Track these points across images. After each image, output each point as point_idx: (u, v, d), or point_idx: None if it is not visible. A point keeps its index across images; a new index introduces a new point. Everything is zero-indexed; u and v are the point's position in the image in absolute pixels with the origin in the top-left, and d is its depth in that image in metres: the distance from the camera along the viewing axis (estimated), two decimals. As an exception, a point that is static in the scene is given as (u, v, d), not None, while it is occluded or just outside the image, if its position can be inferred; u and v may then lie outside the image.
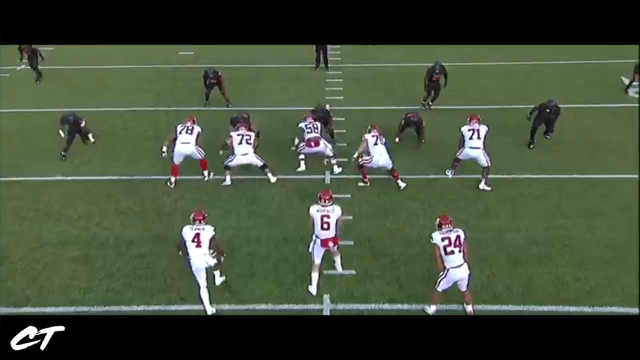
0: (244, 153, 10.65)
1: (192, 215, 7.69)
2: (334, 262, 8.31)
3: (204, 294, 7.63)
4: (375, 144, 10.51)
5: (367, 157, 10.52)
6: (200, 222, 7.61)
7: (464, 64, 17.92)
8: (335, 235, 7.76)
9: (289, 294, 7.98)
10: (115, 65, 18.61)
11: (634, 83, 15.49)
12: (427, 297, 7.79)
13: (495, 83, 16.50)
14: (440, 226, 7.34)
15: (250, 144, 10.75)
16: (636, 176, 10.90)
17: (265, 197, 10.47)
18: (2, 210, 10.21)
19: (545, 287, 8.05)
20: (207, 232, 7.61)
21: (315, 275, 7.94)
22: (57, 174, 11.50)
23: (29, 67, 16.94)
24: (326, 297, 7.87)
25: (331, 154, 11.40)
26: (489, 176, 10.58)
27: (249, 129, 11.11)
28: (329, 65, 17.77)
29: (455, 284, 7.29)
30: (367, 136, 10.65)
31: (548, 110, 11.91)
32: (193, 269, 7.60)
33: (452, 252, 7.16)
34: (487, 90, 15.79)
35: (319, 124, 11.48)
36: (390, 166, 10.60)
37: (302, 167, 11.50)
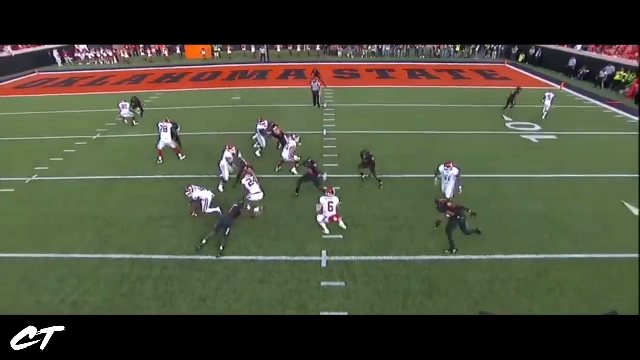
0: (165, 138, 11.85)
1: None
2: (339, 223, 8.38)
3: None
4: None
5: None
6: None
7: (410, 105, 17.81)
8: (337, 213, 8.17)
9: (300, 250, 7.91)
10: (190, 106, 18.46)
11: (508, 119, 15.45)
12: (386, 251, 7.79)
13: (427, 118, 16.26)
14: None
15: (166, 131, 11.84)
16: (509, 175, 10.82)
17: (286, 189, 10.27)
18: (125, 197, 10.21)
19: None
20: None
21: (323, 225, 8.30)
22: (159, 174, 11.41)
23: (132, 113, 15.83)
24: (324, 252, 7.80)
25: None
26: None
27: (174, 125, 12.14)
28: (320, 104, 17.50)
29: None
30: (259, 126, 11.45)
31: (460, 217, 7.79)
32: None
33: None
34: (424, 123, 15.58)
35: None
36: None
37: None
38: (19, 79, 26.91)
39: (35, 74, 28.30)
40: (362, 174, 10.58)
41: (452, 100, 18.46)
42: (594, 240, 8.09)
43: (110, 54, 32.92)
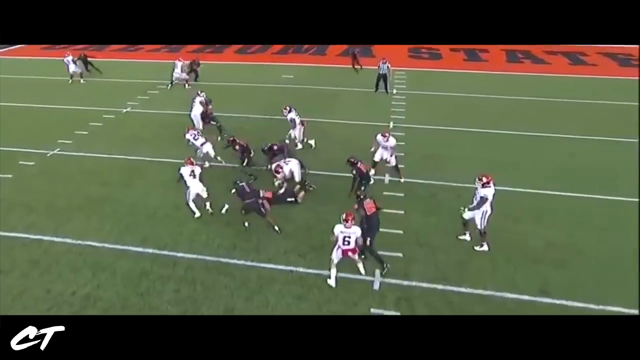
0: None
1: (185, 160, 9.66)
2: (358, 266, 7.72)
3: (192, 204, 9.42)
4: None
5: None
6: (192, 165, 9.55)
7: (505, 97, 17.23)
8: (354, 247, 7.34)
9: (349, 265, 7.80)
10: (234, 82, 19.25)
11: None
12: (457, 280, 7.58)
13: (526, 115, 15.55)
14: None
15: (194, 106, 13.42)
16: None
17: (334, 189, 10.33)
18: (152, 180, 10.95)
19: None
20: (197, 169, 9.47)
21: (333, 271, 7.54)
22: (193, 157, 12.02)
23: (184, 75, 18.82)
24: (377, 271, 7.74)
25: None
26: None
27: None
28: (389, 90, 17.41)
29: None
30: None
31: None
32: (192, 192, 9.32)
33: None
34: (522, 121, 14.94)
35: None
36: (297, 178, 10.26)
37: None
38: (50, 40, 29.86)
39: (66, 36, 31.25)
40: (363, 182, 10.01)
41: (566, 94, 17.40)
42: None
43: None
